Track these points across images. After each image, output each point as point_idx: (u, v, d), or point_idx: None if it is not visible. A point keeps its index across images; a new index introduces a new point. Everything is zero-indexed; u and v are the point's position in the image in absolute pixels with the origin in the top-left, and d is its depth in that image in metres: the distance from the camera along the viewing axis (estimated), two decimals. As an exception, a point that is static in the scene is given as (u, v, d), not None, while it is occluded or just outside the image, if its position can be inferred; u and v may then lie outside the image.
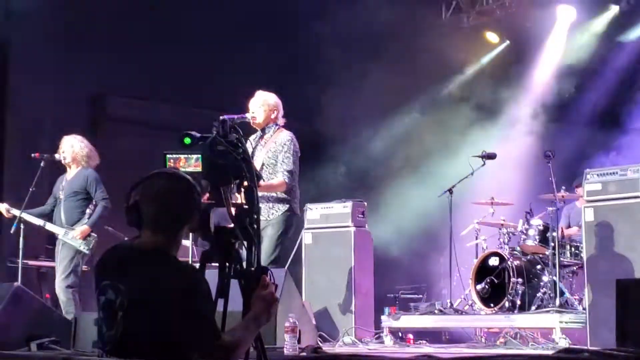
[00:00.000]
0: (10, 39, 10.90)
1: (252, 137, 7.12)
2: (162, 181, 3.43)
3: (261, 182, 6.71)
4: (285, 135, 7.04)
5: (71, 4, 10.49)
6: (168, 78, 11.41)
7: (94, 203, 8.09)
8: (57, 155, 8.20)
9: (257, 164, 6.90)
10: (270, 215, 6.92)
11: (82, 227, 7.95)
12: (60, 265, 8.01)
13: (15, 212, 8.06)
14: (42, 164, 8.18)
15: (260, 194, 6.52)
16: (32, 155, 8.24)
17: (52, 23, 10.97)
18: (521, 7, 12.36)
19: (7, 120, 10.91)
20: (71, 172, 8.24)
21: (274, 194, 6.94)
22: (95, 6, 10.91)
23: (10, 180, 10.39)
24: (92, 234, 8.00)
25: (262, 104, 7.04)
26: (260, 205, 6.67)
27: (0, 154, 10.80)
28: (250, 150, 6.98)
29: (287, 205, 6.96)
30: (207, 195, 3.64)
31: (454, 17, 12.91)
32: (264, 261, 6.67)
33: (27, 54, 10.89)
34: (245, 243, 3.64)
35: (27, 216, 8.09)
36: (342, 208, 8.99)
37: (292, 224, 7.07)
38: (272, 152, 6.98)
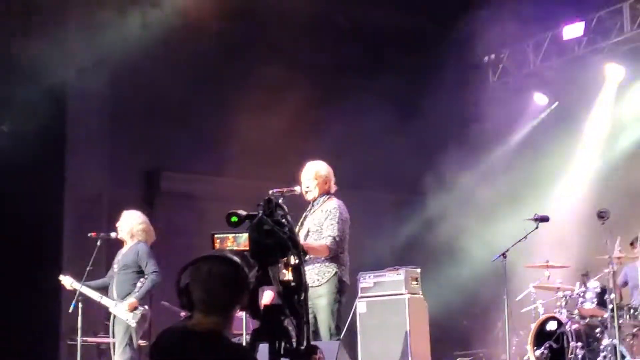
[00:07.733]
0: (67, 117, 11.18)
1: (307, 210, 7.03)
2: (209, 265, 3.47)
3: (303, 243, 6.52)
4: (333, 203, 6.90)
5: (125, 82, 10.75)
6: (221, 152, 11.58)
7: (145, 277, 8.15)
8: (112, 234, 8.34)
9: (303, 230, 6.84)
10: (316, 282, 6.72)
11: (130, 300, 7.97)
12: (116, 340, 8.07)
13: (77, 285, 8.15)
14: (98, 243, 8.32)
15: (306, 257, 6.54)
16: (89, 234, 8.40)
17: (107, 100, 11.27)
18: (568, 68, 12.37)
19: (65, 197, 11.13)
20: (126, 246, 8.36)
21: (320, 259, 6.76)
22: (147, 85, 11.17)
23: (70, 256, 10.54)
24: (140, 307, 7.98)
25: (315, 177, 6.92)
26: (307, 267, 6.48)
27: (60, 230, 11.01)
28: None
29: (334, 272, 6.77)
30: (256, 274, 3.68)
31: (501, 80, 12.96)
32: (325, 334, 6.61)
33: (82, 132, 11.17)
34: (294, 321, 3.67)
35: (86, 290, 8.16)
36: (395, 275, 8.95)
37: (342, 291, 6.84)
38: (318, 220, 6.85)
